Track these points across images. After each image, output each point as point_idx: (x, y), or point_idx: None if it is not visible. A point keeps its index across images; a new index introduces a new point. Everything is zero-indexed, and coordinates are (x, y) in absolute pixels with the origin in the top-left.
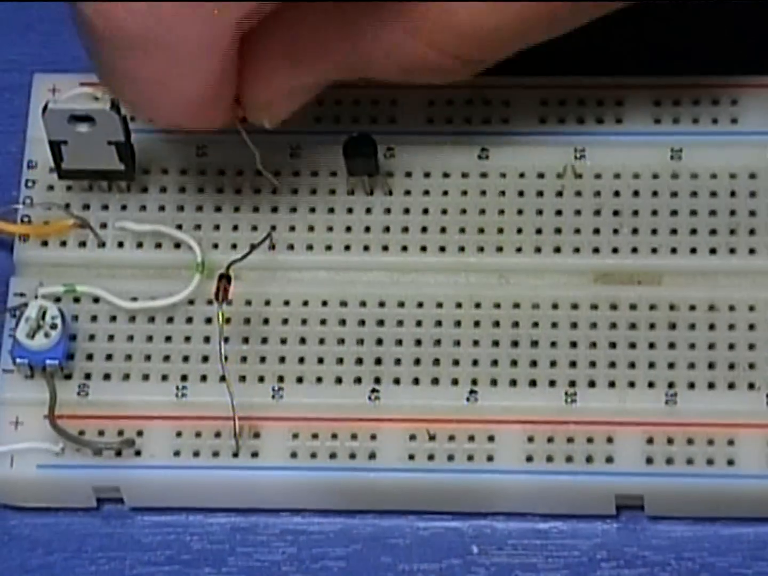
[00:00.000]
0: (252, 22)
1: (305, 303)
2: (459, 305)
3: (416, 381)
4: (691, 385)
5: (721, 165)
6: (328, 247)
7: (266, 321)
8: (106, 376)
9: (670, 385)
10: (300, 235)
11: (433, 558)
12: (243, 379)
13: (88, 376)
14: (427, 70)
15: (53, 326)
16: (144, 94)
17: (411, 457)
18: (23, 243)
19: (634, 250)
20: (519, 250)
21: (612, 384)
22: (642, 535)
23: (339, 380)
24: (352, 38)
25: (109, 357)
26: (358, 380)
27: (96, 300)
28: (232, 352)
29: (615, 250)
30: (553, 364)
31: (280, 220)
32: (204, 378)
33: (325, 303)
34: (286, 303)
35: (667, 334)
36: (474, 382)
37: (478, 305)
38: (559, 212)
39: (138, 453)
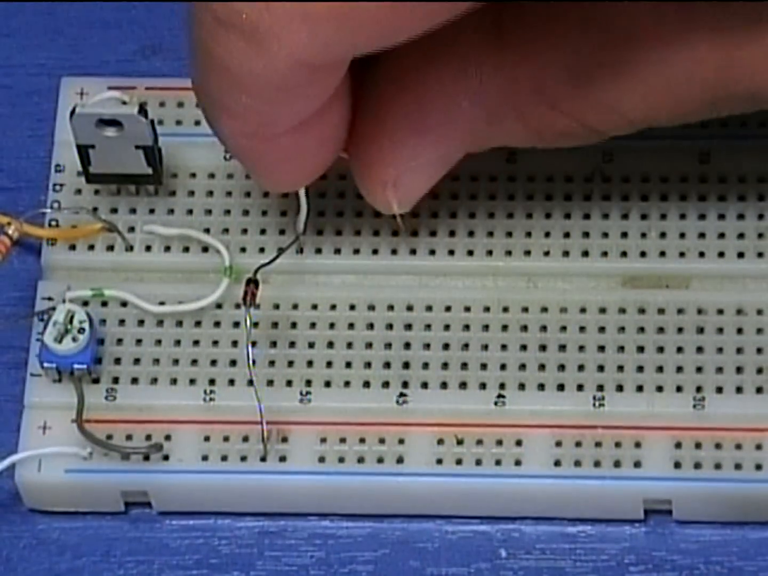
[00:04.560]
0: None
1: (333, 307)
2: (487, 309)
3: (444, 385)
4: (719, 390)
5: (749, 169)
6: (356, 251)
7: (294, 325)
8: (134, 380)
9: (698, 389)
10: (328, 239)
11: (462, 562)
12: (271, 383)
13: (115, 380)
14: (564, 140)
15: (81, 330)
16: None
17: (439, 461)
18: (51, 247)
19: (662, 253)
20: (547, 253)
21: (640, 388)
22: (670, 539)
23: (367, 384)
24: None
25: (136, 361)
26: (386, 384)
27: (124, 304)
28: (259, 356)
29: (643, 254)
30: (581, 368)
31: (308, 224)
32: (232, 382)
33: (352, 307)
34: (314, 307)
35: (695, 338)
36: (502, 386)
37: (505, 309)
38: (587, 216)
39: (166, 457)
